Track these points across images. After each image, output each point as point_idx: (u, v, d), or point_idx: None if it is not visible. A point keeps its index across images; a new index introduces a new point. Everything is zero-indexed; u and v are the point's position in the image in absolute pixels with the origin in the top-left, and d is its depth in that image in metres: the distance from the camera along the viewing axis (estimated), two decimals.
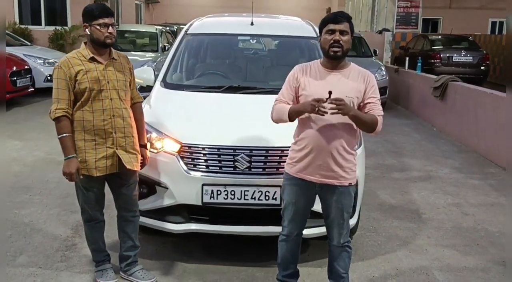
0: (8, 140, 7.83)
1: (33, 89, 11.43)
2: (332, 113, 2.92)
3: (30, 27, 16.47)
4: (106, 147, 3.39)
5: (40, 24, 16.88)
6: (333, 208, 3.21)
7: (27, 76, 11.12)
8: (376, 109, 3.12)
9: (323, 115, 2.93)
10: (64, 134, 3.31)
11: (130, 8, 22.37)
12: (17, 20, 16.59)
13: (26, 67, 11.20)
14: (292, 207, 3.29)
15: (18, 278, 3.75)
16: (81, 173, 3.34)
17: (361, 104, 3.14)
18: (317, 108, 2.91)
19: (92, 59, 3.37)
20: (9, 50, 11.92)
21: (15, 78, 10.56)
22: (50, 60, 12.57)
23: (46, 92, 12.19)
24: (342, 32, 3.06)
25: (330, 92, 2.92)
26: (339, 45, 3.05)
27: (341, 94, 3.02)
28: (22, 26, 16.31)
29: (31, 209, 5.07)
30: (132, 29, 14.72)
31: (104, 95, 3.36)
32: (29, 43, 14.11)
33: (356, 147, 3.27)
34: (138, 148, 3.57)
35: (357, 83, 3.13)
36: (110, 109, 3.37)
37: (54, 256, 4.09)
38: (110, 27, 3.34)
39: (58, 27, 16.47)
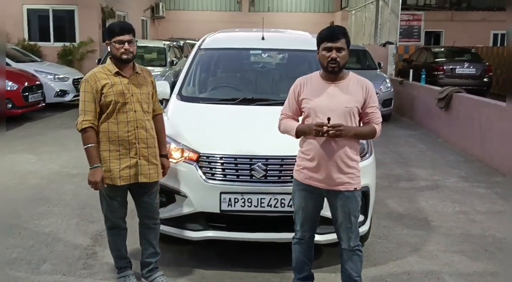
0: (22, 154, 8.01)
1: (44, 104, 11.62)
2: (332, 137, 3.15)
3: (39, 43, 16.78)
4: (130, 157, 3.55)
5: (49, 41, 17.19)
6: (340, 213, 3.36)
7: (39, 91, 11.33)
8: (375, 117, 3.33)
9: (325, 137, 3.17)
10: (90, 145, 3.47)
11: (136, 23, 22.67)
12: (26, 37, 16.92)
13: (37, 82, 11.41)
14: (302, 211, 3.46)
15: None
16: (105, 182, 3.50)
17: (361, 112, 3.32)
18: (320, 133, 3.13)
19: (117, 74, 3.55)
20: (21, 66, 12.21)
21: (27, 93, 10.77)
22: (60, 76, 12.83)
23: (56, 107, 12.51)
24: (338, 49, 3.23)
25: (328, 119, 3.14)
26: (336, 61, 3.23)
27: (341, 105, 3.24)
28: (31, 43, 16.62)
29: (51, 219, 5.22)
30: (141, 45, 14.84)
31: (129, 107, 3.53)
32: (39, 59, 14.36)
33: (361, 152, 3.46)
34: (159, 158, 3.73)
35: (356, 93, 3.30)
36: (134, 121, 3.54)
37: (76, 264, 4.24)
38: (127, 43, 3.50)
39: (67, 44, 16.78)
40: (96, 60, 13.84)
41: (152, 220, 3.81)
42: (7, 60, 12.24)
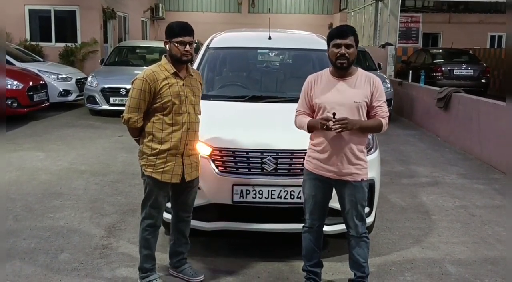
0: (30, 151, 8.17)
1: (48, 103, 11.76)
2: (338, 132, 3.32)
3: (41, 43, 16.92)
4: (176, 156, 3.60)
5: (51, 41, 17.33)
6: (348, 202, 3.54)
7: (43, 91, 11.46)
8: (381, 111, 3.49)
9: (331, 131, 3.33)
10: (137, 139, 3.70)
11: (136, 24, 22.86)
12: (28, 37, 17.06)
13: (41, 82, 11.53)
14: (312, 200, 3.63)
15: (63, 272, 4.06)
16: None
17: (368, 106, 3.50)
18: (325, 127, 3.31)
19: (175, 74, 3.56)
20: (24, 66, 12.35)
21: (32, 93, 10.89)
22: (63, 76, 12.95)
23: (60, 107, 12.66)
24: (347, 46, 3.41)
25: (334, 114, 3.31)
26: (345, 57, 3.40)
27: (350, 100, 3.43)
28: (33, 43, 16.76)
29: (64, 212, 5.38)
30: (143, 45, 15.16)
31: (183, 109, 3.57)
32: (42, 60, 14.48)
33: (367, 147, 3.67)
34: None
35: (364, 88, 3.48)
36: (188, 123, 3.60)
37: (93, 254, 4.40)
38: (188, 45, 3.49)
39: (69, 44, 16.92)
40: (99, 60, 13.98)
41: (187, 213, 3.89)
42: (11, 60, 12.41)
